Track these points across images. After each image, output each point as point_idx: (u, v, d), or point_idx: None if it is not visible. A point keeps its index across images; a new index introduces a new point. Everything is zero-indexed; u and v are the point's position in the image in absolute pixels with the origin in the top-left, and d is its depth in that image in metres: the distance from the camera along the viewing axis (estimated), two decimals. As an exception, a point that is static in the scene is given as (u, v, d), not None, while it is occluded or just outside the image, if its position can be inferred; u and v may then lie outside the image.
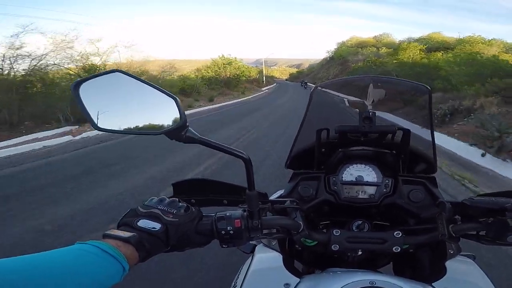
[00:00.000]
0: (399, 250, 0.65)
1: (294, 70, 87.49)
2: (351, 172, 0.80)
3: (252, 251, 0.83)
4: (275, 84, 51.90)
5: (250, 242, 0.76)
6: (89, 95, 0.57)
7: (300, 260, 0.88)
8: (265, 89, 36.65)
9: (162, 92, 0.58)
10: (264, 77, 43.16)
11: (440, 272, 0.66)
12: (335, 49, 43.99)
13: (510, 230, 0.57)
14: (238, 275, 0.74)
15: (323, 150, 0.83)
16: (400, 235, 0.65)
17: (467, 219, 0.65)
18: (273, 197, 0.84)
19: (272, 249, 0.78)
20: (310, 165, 0.85)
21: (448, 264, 0.68)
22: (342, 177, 0.80)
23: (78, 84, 0.56)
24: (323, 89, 0.95)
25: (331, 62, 42.06)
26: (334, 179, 0.80)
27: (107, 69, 0.56)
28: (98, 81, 0.58)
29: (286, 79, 75.31)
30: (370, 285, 0.53)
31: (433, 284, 0.60)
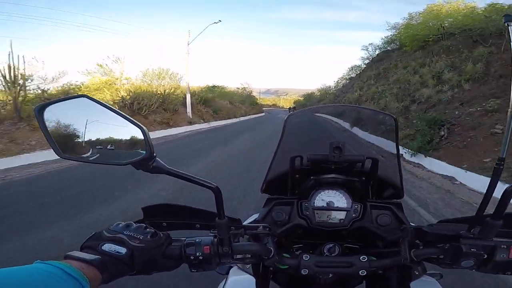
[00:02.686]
0: (365, 273, 0.67)
1: (301, 98, 70.97)
2: (323, 198, 0.83)
3: (227, 272, 0.84)
4: (261, 113, 37.89)
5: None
6: (53, 120, 0.55)
7: (276, 281, 0.88)
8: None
9: (130, 121, 0.56)
10: (189, 103, 18.30)
11: None
12: (386, 38, 23.04)
13: (463, 255, 0.60)
14: None
15: (297, 176, 0.86)
16: (366, 259, 0.68)
17: (427, 244, 0.69)
18: (248, 221, 0.88)
19: (246, 272, 0.78)
20: (284, 190, 0.88)
21: (413, 285, 0.71)
22: (314, 203, 0.83)
23: (42, 108, 0.54)
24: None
25: (381, 63, 22.12)
26: (306, 204, 0.83)
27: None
28: (64, 106, 0.55)
29: (289, 108, 67.13)
30: None
31: None
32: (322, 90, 46.59)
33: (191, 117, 17.84)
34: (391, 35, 22.67)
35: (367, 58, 29.79)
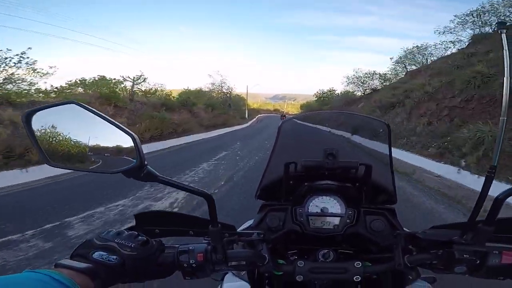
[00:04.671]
0: (359, 279, 0.68)
1: (312, 100, 53.05)
2: (317, 204, 0.84)
3: (222, 278, 0.85)
4: (229, 128, 23.49)
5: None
6: (41, 126, 0.53)
7: (271, 287, 0.88)
8: None
9: (120, 129, 0.54)
10: None
11: None
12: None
13: (456, 261, 0.61)
14: None
15: (291, 182, 0.87)
16: (360, 265, 0.68)
17: (421, 250, 0.70)
18: (242, 227, 0.89)
19: (241, 278, 0.79)
20: (279, 196, 0.88)
21: None
22: (308, 209, 0.83)
23: (30, 114, 0.52)
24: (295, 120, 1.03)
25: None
26: (300, 210, 0.83)
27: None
28: (52, 112, 0.54)
29: (281, 115, 49.62)
30: None
31: None
32: (353, 79, 26.93)
33: None
34: None
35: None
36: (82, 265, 0.51)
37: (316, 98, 43.02)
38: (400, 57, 22.81)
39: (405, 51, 22.35)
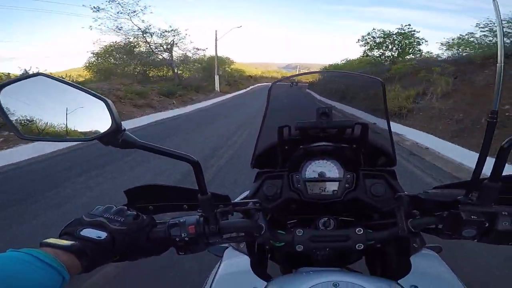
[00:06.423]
0: (362, 247, 0.64)
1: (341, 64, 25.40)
2: (314, 169, 0.80)
3: (223, 254, 0.83)
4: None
5: (221, 245, 0.76)
6: (11, 101, 0.51)
7: (274, 260, 0.87)
8: None
9: (92, 95, 0.52)
10: None
11: (406, 267, 0.65)
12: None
13: (463, 223, 0.54)
14: (207, 280, 0.72)
15: (286, 147, 0.83)
16: (362, 232, 0.64)
17: (424, 213, 0.64)
18: (239, 198, 0.85)
19: (241, 251, 0.77)
20: (275, 163, 0.85)
21: (413, 258, 0.68)
22: (305, 174, 0.80)
23: (-2, 90, 0.51)
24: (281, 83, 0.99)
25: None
26: (297, 177, 0.79)
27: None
28: (21, 86, 0.51)
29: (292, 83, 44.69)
30: (333, 286, 0.53)
31: (399, 280, 0.59)
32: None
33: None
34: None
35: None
36: (67, 242, 0.48)
37: (364, 52, 18.73)
38: None
39: None
